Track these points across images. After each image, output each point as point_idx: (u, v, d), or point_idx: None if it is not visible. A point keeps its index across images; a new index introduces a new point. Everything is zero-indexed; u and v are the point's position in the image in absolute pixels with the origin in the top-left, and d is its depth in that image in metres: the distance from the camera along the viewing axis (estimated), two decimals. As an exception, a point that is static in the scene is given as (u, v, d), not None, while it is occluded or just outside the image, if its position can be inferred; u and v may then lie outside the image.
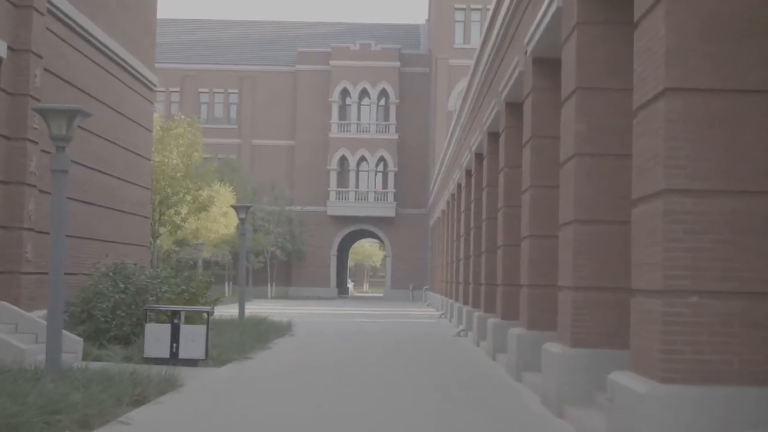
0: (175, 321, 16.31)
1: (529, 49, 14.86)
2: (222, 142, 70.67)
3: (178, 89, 71.60)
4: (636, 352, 8.24)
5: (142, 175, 24.65)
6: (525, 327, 14.99)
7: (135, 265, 19.66)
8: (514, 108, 18.48)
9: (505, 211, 18.65)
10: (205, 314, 17.23)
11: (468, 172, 29.81)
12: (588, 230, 11.14)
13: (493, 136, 21.95)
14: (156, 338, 16.20)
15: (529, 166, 15.16)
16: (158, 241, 34.27)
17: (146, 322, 16.67)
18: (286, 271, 69.85)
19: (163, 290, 18.51)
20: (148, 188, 25.32)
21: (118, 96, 22.54)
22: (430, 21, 75.09)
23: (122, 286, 18.10)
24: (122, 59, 22.43)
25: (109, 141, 21.89)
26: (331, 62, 69.81)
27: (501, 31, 18.53)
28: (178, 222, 32.18)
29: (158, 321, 17.61)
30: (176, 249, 58.64)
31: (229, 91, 72.09)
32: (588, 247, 11.10)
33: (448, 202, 41.97)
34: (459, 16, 67.36)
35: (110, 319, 17.67)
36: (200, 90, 72.01)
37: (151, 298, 18.10)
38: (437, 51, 67.52)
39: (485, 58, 21.46)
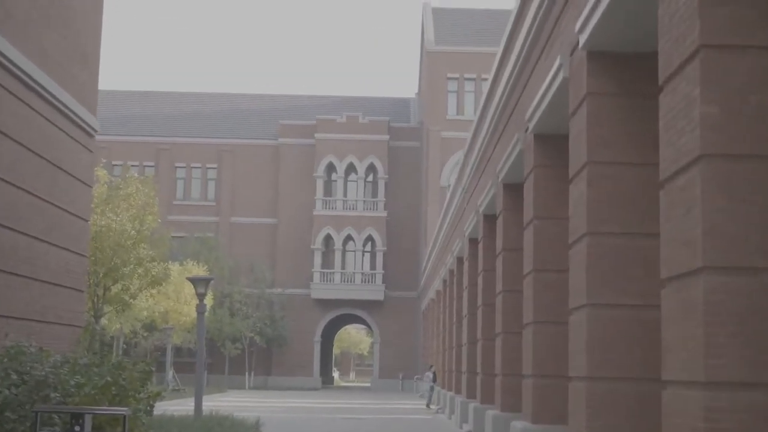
0: (76, 429, 11.43)
1: (583, 39, 10.44)
2: (199, 220, 66.51)
3: (152, 163, 67.18)
4: None
5: (74, 237, 19.91)
6: (582, 439, 10.20)
7: (41, 349, 14.73)
8: (544, 141, 14.10)
9: (535, 277, 13.99)
10: (125, 417, 12.33)
11: (472, 241, 25.27)
12: (729, 283, 6.45)
13: (511, 187, 17.45)
14: (48, 454, 11.33)
15: (585, 206, 10.53)
16: (102, 321, 29.17)
17: (38, 431, 11.82)
18: (266, 358, 64.65)
19: (73, 383, 13.55)
20: (83, 255, 20.54)
21: (41, 136, 17.96)
22: (422, 91, 71.13)
23: (15, 377, 13.18)
24: (46, 90, 17.89)
25: (26, 191, 17.23)
26: (316, 135, 65.57)
27: (533, 33, 14.13)
28: (127, 299, 27.00)
29: (64, 428, 12.78)
30: (144, 334, 53.65)
31: (207, 165, 67.63)
32: (733, 313, 6.38)
33: (444, 280, 37.26)
34: (452, 86, 63.31)
35: (-5, 424, 12.77)
36: (176, 164, 67.54)
37: (54, 395, 13.20)
38: (429, 122, 63.35)
39: (506, 72, 17.02)
